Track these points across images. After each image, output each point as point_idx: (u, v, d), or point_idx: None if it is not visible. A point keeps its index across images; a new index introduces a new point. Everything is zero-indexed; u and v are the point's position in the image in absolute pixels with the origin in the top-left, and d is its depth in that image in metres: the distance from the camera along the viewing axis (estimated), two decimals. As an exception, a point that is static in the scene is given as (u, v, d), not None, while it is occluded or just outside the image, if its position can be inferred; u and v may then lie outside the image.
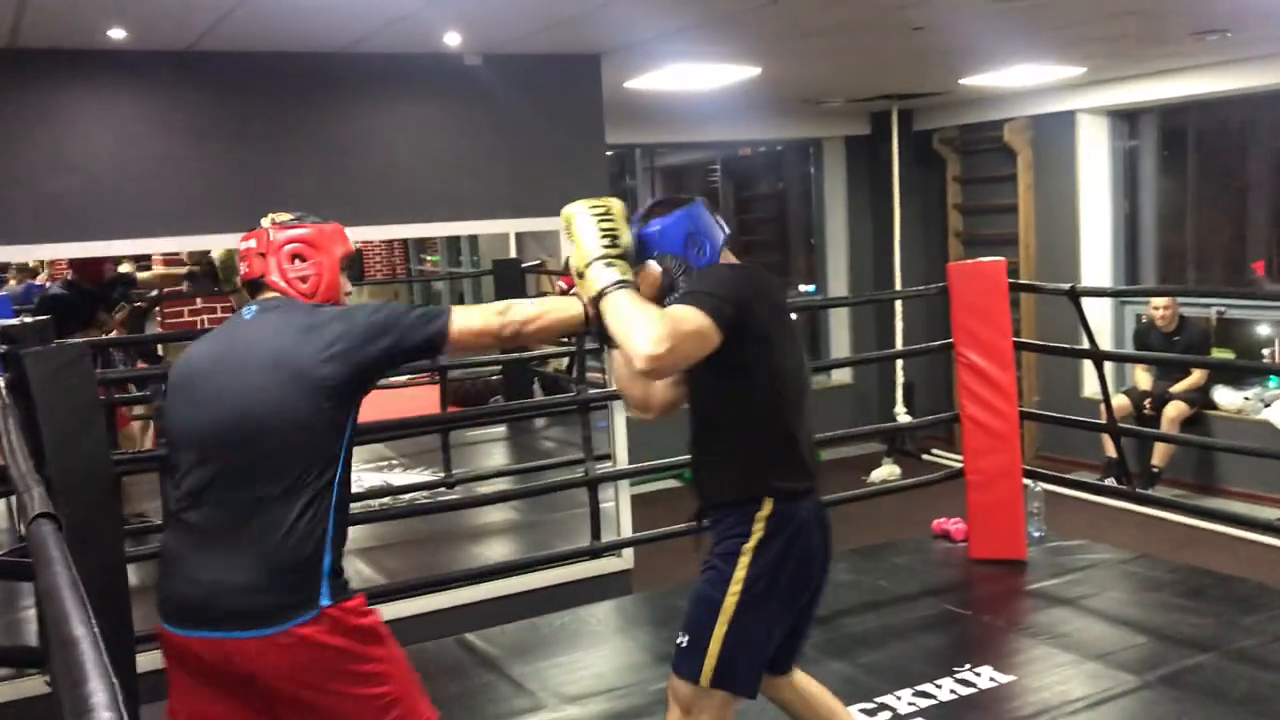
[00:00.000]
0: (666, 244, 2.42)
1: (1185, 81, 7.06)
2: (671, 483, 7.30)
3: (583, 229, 2.27)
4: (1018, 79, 6.91)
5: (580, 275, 2.25)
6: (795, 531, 2.39)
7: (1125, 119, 8.08)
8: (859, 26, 4.85)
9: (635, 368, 2.15)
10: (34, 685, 3.84)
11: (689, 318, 2.19)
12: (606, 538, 4.87)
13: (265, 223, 2.39)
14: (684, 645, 2.41)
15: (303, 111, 4.81)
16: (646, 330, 2.10)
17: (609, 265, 2.22)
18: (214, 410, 2.24)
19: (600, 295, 2.20)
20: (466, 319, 2.29)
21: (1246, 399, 7.17)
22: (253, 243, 2.36)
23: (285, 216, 2.39)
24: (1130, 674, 3.61)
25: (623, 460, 5.28)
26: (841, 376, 9.30)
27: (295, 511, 2.20)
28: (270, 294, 2.34)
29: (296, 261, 2.34)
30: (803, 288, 9.92)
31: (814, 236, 9.65)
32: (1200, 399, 7.17)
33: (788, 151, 9.91)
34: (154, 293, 7.81)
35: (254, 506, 2.19)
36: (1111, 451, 6.71)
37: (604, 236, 2.25)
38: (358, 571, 5.34)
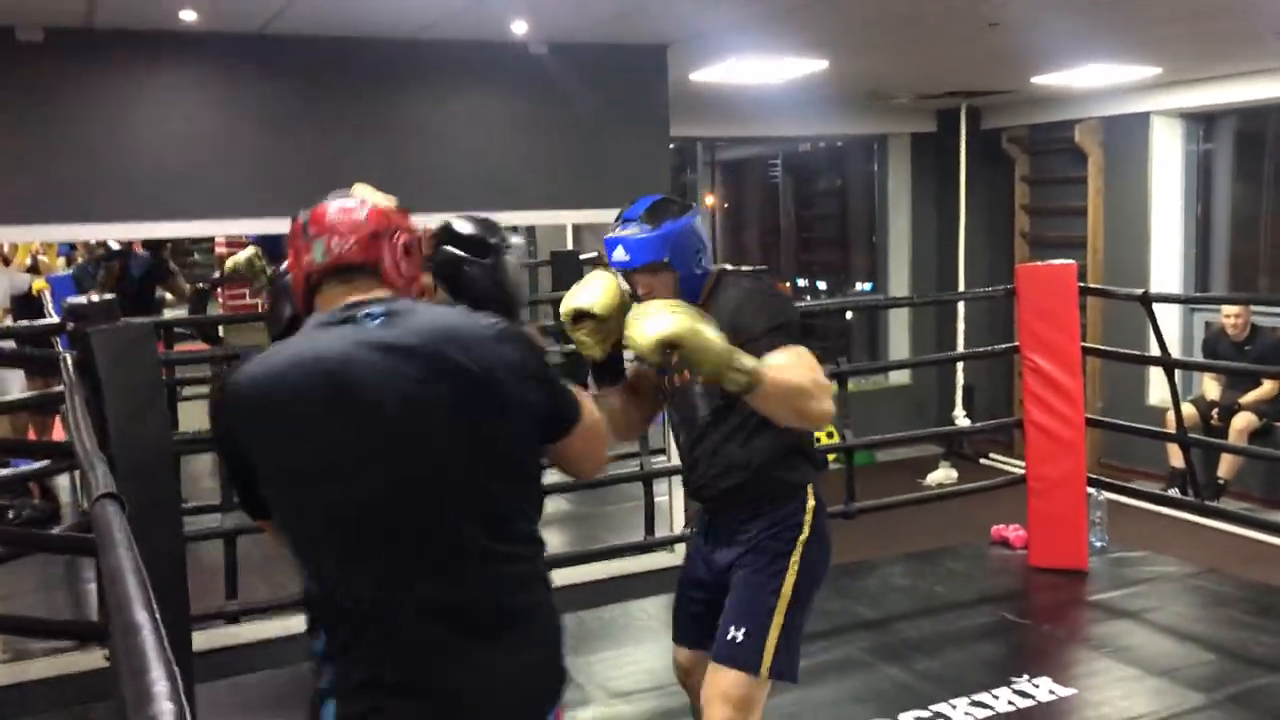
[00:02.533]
0: (680, 248, 2.38)
1: (1265, 84, 6.87)
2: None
3: (699, 329, 2.13)
4: (1091, 79, 6.76)
5: (715, 372, 2.14)
6: (827, 518, 2.56)
7: (1200, 122, 7.88)
8: (933, 21, 4.76)
9: (813, 425, 2.32)
10: (93, 660, 3.88)
11: (809, 358, 2.27)
12: (659, 533, 4.84)
13: (369, 193, 1.84)
14: (740, 639, 2.39)
15: (368, 97, 4.82)
16: (815, 393, 2.22)
17: (735, 351, 2.16)
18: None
19: (757, 380, 2.15)
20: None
21: (1319, 412, 6.96)
22: (361, 215, 1.76)
23: (381, 196, 1.86)
24: (1197, 692, 3.51)
25: (677, 456, 5.24)
26: (900, 378, 9.18)
27: None
28: (379, 291, 1.74)
29: (407, 258, 1.80)
30: (860, 286, 9.81)
31: (876, 235, 9.54)
32: (1271, 411, 6.98)
33: (849, 148, 9.80)
34: (216, 274, 7.91)
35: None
36: (1177, 461, 6.56)
37: (710, 325, 2.16)
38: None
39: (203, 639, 3.91)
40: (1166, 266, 7.86)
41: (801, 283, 10.55)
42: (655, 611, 4.47)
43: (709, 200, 9.37)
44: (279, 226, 5.34)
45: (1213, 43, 5.65)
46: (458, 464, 1.65)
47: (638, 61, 5.20)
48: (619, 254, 2.37)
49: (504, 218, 6.45)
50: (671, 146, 5.95)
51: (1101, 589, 4.50)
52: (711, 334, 2.13)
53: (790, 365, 2.22)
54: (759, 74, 5.98)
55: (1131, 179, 7.86)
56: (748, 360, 2.15)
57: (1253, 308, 7.03)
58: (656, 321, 2.13)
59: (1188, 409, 6.80)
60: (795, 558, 2.45)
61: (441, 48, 4.84)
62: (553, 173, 5.13)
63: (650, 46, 5.16)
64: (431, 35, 4.68)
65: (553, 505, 6.13)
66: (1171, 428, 5.82)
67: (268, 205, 4.62)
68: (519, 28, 4.65)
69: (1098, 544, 4.89)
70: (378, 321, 1.67)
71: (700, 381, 2.39)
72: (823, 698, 3.56)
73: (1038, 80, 6.84)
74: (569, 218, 6.95)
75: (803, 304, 10.40)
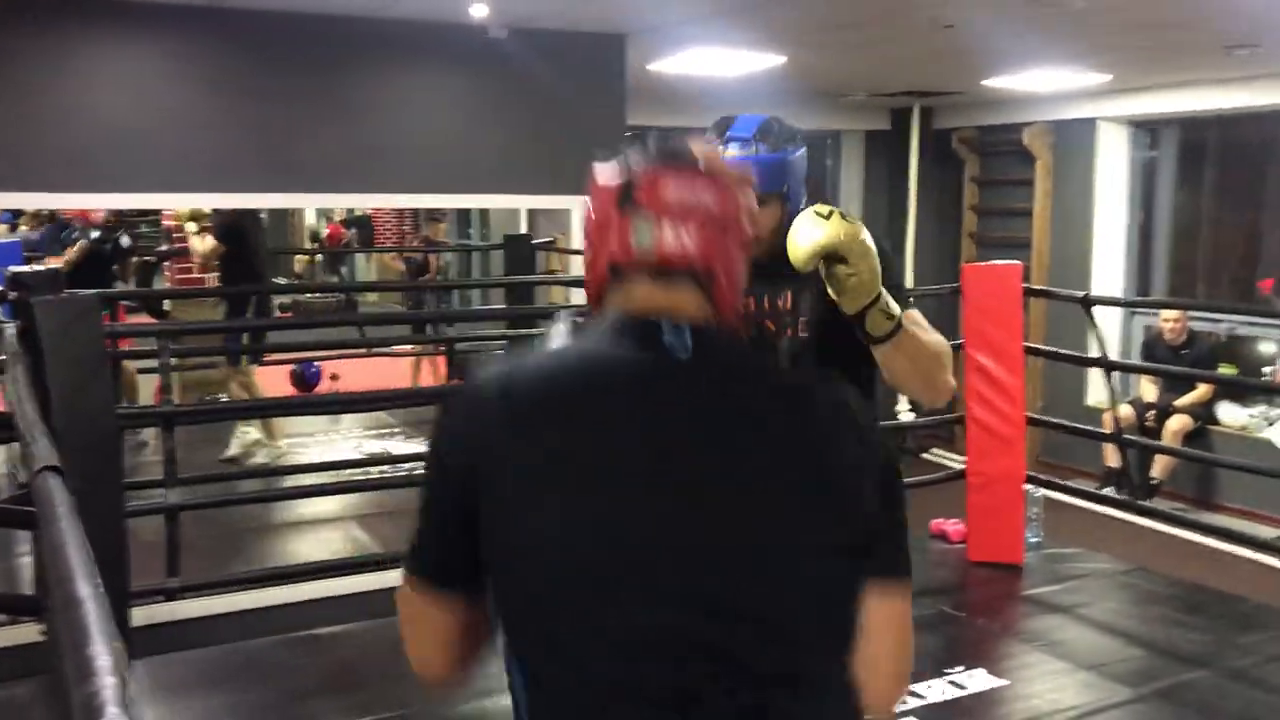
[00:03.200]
0: (797, 180, 2.06)
1: (1209, 95, 7.02)
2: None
3: (866, 242, 1.86)
4: (1040, 83, 6.87)
5: (866, 300, 1.86)
6: None
7: (1146, 130, 8.04)
8: (889, 21, 4.81)
9: (936, 396, 2.02)
10: (27, 633, 3.84)
11: (928, 327, 2.00)
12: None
13: (714, 160, 1.29)
14: None
15: (323, 74, 4.79)
16: (945, 361, 1.96)
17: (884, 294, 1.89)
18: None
19: (899, 325, 1.89)
20: None
21: (1251, 416, 7.15)
22: (712, 198, 1.26)
23: (719, 160, 1.31)
24: (1124, 686, 3.60)
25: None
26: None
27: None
28: (691, 309, 1.25)
29: (742, 267, 1.30)
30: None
31: (827, 229, 9.61)
32: (1204, 414, 7.16)
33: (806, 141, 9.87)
34: (163, 248, 7.81)
35: None
36: (1113, 461, 6.72)
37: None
38: (354, 538, 5.35)
39: (143, 615, 3.89)
40: (1108, 270, 8.02)
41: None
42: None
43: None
44: (229, 201, 5.31)
45: (1162, 53, 5.77)
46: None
47: (596, 49, 5.21)
48: None
49: (460, 200, 6.47)
50: (628, 134, 5.97)
51: (1036, 584, 4.59)
52: (874, 250, 1.85)
53: (918, 322, 1.96)
54: (717, 66, 6.01)
55: (1077, 183, 8.00)
56: (891, 300, 1.87)
57: (1190, 313, 7.20)
58: (819, 227, 1.83)
59: (1125, 410, 6.95)
60: None
61: (399, 27, 4.82)
62: (508, 157, 5.13)
63: (609, 35, 5.17)
64: (390, 14, 4.66)
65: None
66: (1109, 428, 5.96)
67: (218, 180, 4.58)
68: (478, 10, 4.63)
69: (1034, 540, 4.99)
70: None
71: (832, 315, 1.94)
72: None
73: (989, 83, 6.94)
74: (523, 202, 6.94)
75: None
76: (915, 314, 1.99)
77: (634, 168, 1.26)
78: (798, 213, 1.99)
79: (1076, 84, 6.95)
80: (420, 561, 1.27)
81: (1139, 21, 4.78)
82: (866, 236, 1.84)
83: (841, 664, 1.22)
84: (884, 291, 1.85)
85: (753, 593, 1.17)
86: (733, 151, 2.02)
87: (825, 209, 1.88)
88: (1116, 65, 6.26)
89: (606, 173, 1.28)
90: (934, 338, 1.97)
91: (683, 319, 1.23)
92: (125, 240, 7.16)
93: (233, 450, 6.30)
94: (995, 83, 6.92)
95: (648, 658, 1.16)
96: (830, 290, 1.89)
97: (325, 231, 14.57)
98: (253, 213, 6.51)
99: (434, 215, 9.69)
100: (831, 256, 1.83)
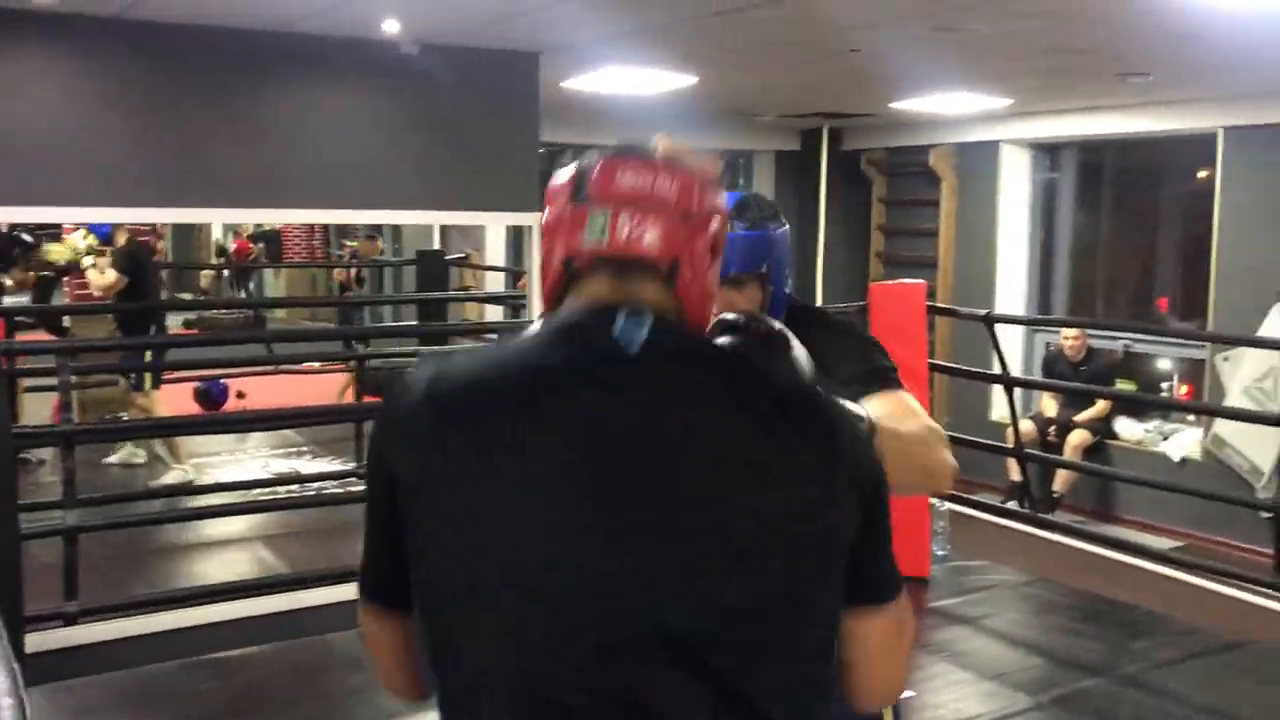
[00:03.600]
0: (780, 259, 1.87)
1: (1106, 120, 7.28)
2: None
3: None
4: (945, 106, 7.05)
5: None
6: None
7: (1046, 152, 8.29)
8: (798, 45, 4.91)
9: (936, 490, 1.78)
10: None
11: (916, 404, 1.76)
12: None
13: (677, 150, 1.22)
14: None
15: (233, 88, 4.72)
16: (933, 440, 1.69)
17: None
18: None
19: (871, 430, 1.50)
20: None
21: (1146, 431, 7.40)
22: (670, 187, 1.17)
23: (690, 155, 1.22)
24: (1024, 694, 3.70)
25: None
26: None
27: None
28: (653, 306, 1.15)
29: (711, 262, 1.22)
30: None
31: (739, 247, 9.72)
32: (1103, 428, 7.39)
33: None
34: (63, 262, 7.60)
35: None
36: (1016, 475, 6.89)
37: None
38: (260, 559, 5.26)
39: (40, 640, 3.78)
40: (1011, 289, 8.24)
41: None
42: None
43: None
44: (137, 216, 5.20)
45: (1060, 79, 5.96)
46: None
47: (510, 66, 5.21)
48: None
49: (372, 216, 6.41)
50: (542, 151, 5.98)
51: (942, 596, 4.70)
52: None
53: (897, 411, 1.68)
54: (630, 85, 6.06)
55: (981, 204, 8.22)
56: (854, 409, 1.51)
57: (1089, 330, 7.44)
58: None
59: (1026, 425, 7.15)
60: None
61: (310, 42, 4.77)
62: (421, 173, 5.10)
63: (522, 53, 5.18)
64: (300, 29, 4.61)
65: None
66: (1011, 443, 6.11)
67: (126, 194, 4.48)
68: (391, 27, 4.61)
69: (940, 553, 5.10)
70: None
71: None
72: None
73: (896, 105, 7.10)
74: (437, 218, 6.92)
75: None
76: (886, 399, 1.71)
77: (588, 161, 1.20)
78: (780, 296, 1.87)
79: (980, 107, 7.15)
80: (367, 583, 1.25)
81: (1037, 48, 4.94)
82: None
83: (809, 692, 1.14)
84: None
85: (695, 622, 1.07)
86: None
87: (895, 401, 1.66)
88: (1018, 90, 6.46)
89: (563, 171, 1.22)
90: (912, 424, 1.68)
91: (643, 309, 1.13)
92: (27, 237, 6.95)
93: (116, 458, 6.22)
94: (902, 105, 7.09)
95: (576, 690, 1.07)
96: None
97: (232, 246, 14.31)
98: (145, 243, 6.41)
99: (369, 234, 9.60)
100: None
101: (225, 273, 14.40)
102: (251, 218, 8.76)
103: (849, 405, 1.34)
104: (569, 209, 1.18)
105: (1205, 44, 4.63)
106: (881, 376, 1.78)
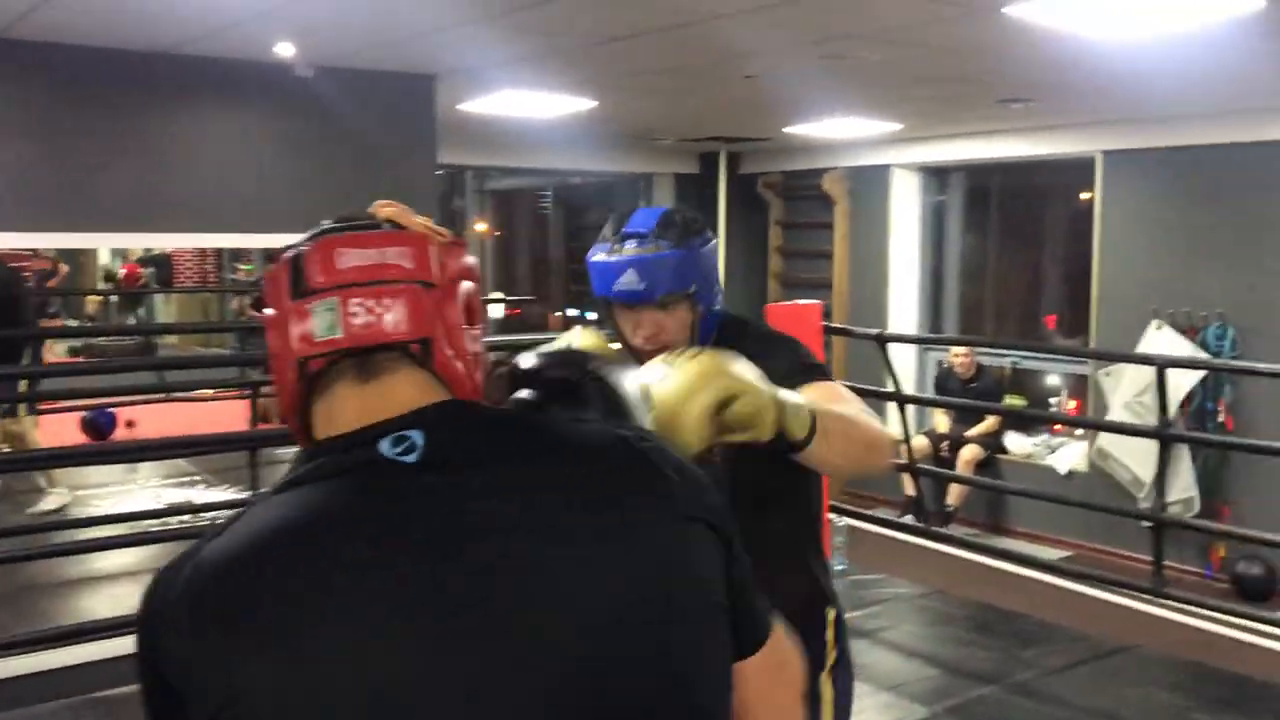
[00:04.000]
0: (708, 277, 1.83)
1: (990, 144, 7.52)
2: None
3: (745, 372, 1.44)
4: (838, 131, 7.22)
5: (774, 421, 1.45)
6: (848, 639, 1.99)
7: (935, 176, 8.53)
8: (692, 71, 4.98)
9: (881, 463, 1.75)
10: None
11: (847, 391, 1.78)
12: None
13: (404, 214, 1.07)
14: None
15: (122, 110, 4.61)
16: (873, 421, 1.67)
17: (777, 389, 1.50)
18: None
19: (813, 419, 1.50)
20: None
21: (1035, 445, 7.64)
22: (404, 255, 1.02)
23: (419, 219, 1.08)
24: (921, 705, 3.78)
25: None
26: (660, 408, 9.43)
27: None
28: (418, 392, 1.01)
29: (470, 330, 1.06)
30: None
31: (639, 269, 9.79)
32: (993, 443, 7.60)
33: (618, 183, 10.05)
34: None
35: None
36: (911, 490, 7.05)
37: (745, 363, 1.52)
38: (153, 592, 5.10)
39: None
40: (903, 308, 8.45)
41: (572, 313, 10.72)
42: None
43: (479, 228, 9.40)
44: (17, 240, 5.03)
45: (947, 105, 6.15)
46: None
47: (405, 89, 5.19)
48: (629, 280, 1.75)
49: (267, 240, 6.29)
50: (441, 173, 5.96)
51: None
52: (754, 373, 1.47)
53: (830, 398, 1.67)
54: (528, 108, 6.07)
55: (873, 226, 8.42)
56: (793, 395, 1.51)
57: (978, 348, 7.66)
58: (692, 380, 1.41)
59: (920, 441, 7.32)
60: (828, 694, 1.92)
61: (201, 64, 4.69)
62: (317, 196, 5.04)
63: (419, 75, 5.17)
64: (191, 51, 4.53)
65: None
66: (905, 459, 6.25)
67: (9, 218, 4.35)
68: (284, 50, 4.56)
69: (839, 567, 5.19)
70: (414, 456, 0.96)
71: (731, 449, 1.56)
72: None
73: (791, 130, 7.24)
74: (332, 242, 6.82)
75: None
76: (819, 388, 1.71)
77: (300, 245, 1.03)
78: (710, 317, 1.84)
79: (871, 132, 7.33)
80: None
81: (922, 76, 5.09)
82: (745, 366, 1.46)
83: None
84: (779, 392, 1.48)
85: None
86: (630, 249, 1.78)
87: (691, 352, 1.49)
88: (906, 115, 6.64)
89: (276, 266, 1.04)
90: (846, 407, 1.67)
91: (404, 414, 0.98)
92: None
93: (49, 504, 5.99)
94: (796, 130, 7.23)
95: None
96: (730, 436, 1.46)
97: (121, 271, 13.91)
98: (17, 269, 6.21)
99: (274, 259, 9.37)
100: (725, 403, 1.41)
101: (114, 298, 13.97)
102: (138, 242, 8.51)
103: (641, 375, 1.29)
104: (291, 307, 1.01)
105: (1082, 71, 4.83)
106: (814, 371, 1.78)
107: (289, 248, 1.05)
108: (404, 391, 1.00)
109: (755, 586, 1.08)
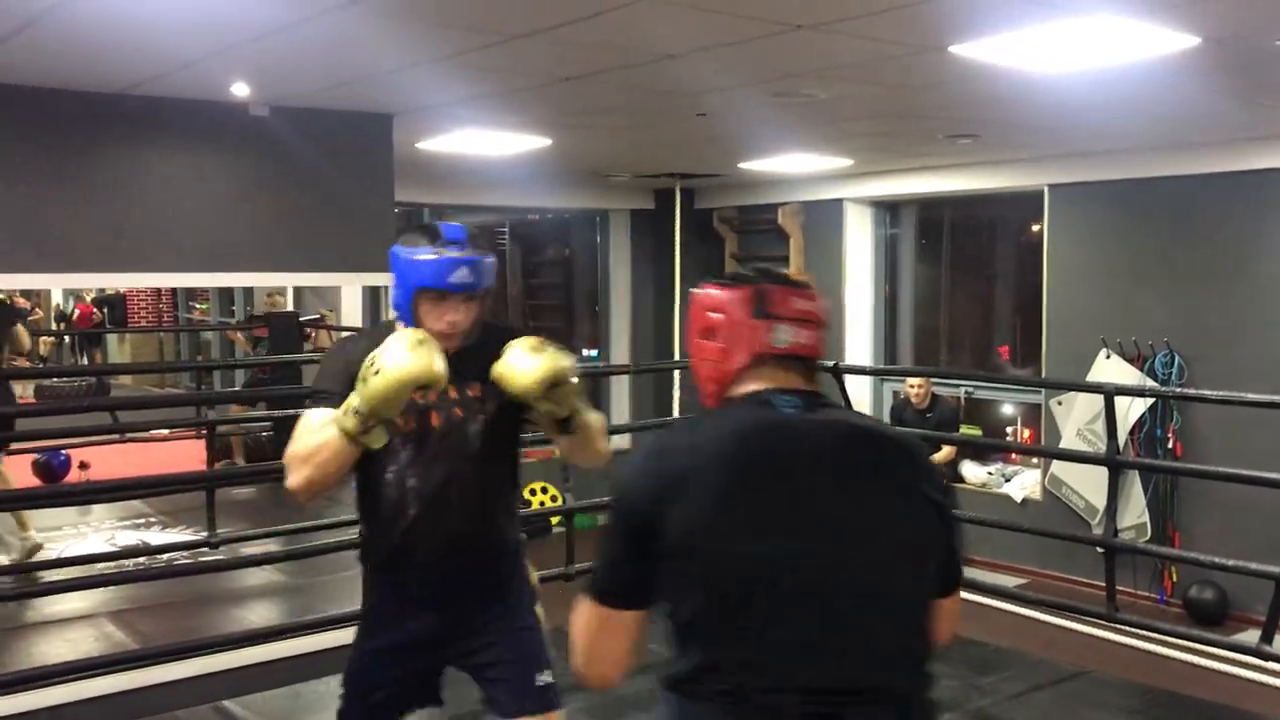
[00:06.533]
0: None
1: (940, 179, 7.66)
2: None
3: (565, 361, 2.31)
4: (791, 166, 7.32)
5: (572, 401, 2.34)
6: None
7: (887, 209, 8.66)
8: (646, 109, 5.05)
9: (604, 461, 2.47)
10: None
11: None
12: (378, 601, 4.77)
13: (808, 281, 1.89)
14: (550, 680, 2.42)
15: (77, 151, 4.60)
16: (605, 433, 2.48)
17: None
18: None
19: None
20: None
21: (990, 474, 7.73)
22: (822, 308, 1.77)
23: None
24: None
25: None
26: (620, 441, 9.44)
27: None
28: (800, 382, 1.71)
29: None
30: (585, 352, 10.07)
31: (599, 304, 9.84)
32: (949, 473, 7.68)
33: (575, 219, 10.11)
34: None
35: None
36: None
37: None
38: (107, 635, 5.04)
39: None
40: (859, 340, 8.55)
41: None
42: (372, 681, 4.40)
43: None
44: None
45: (897, 140, 6.27)
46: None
47: (363, 128, 5.22)
48: (462, 275, 2.26)
49: (224, 279, 6.23)
50: (398, 211, 5.98)
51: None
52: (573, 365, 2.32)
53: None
54: (484, 146, 6.12)
55: (828, 259, 8.52)
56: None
57: (933, 379, 7.75)
58: (541, 360, 2.25)
59: (878, 472, 7.38)
60: (539, 611, 2.52)
61: (157, 105, 4.69)
62: (273, 235, 5.05)
63: (375, 114, 5.20)
64: (147, 91, 4.54)
65: (265, 576, 5.94)
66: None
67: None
68: (240, 90, 4.58)
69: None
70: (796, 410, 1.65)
71: (489, 415, 2.37)
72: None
73: (744, 165, 7.34)
74: (291, 280, 6.82)
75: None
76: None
77: (761, 285, 1.70)
78: (483, 309, 2.36)
79: (823, 167, 7.44)
80: (614, 587, 1.65)
81: (871, 113, 5.19)
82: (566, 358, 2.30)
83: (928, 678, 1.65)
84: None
85: (888, 624, 1.59)
86: (456, 252, 2.26)
87: (534, 340, 2.28)
88: (857, 150, 6.75)
89: (722, 289, 1.72)
90: (596, 414, 2.44)
91: (788, 387, 1.66)
92: None
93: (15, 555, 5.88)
94: (750, 166, 7.33)
95: (806, 671, 1.54)
96: (543, 406, 2.30)
97: (76, 312, 13.77)
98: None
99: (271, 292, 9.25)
100: (556, 381, 2.25)
101: (66, 339, 13.82)
102: (94, 282, 8.48)
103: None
104: (748, 320, 1.69)
105: (1027, 107, 4.95)
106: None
107: (736, 280, 1.73)
108: (796, 379, 1.68)
109: (960, 548, 1.77)
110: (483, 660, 2.42)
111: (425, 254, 2.25)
